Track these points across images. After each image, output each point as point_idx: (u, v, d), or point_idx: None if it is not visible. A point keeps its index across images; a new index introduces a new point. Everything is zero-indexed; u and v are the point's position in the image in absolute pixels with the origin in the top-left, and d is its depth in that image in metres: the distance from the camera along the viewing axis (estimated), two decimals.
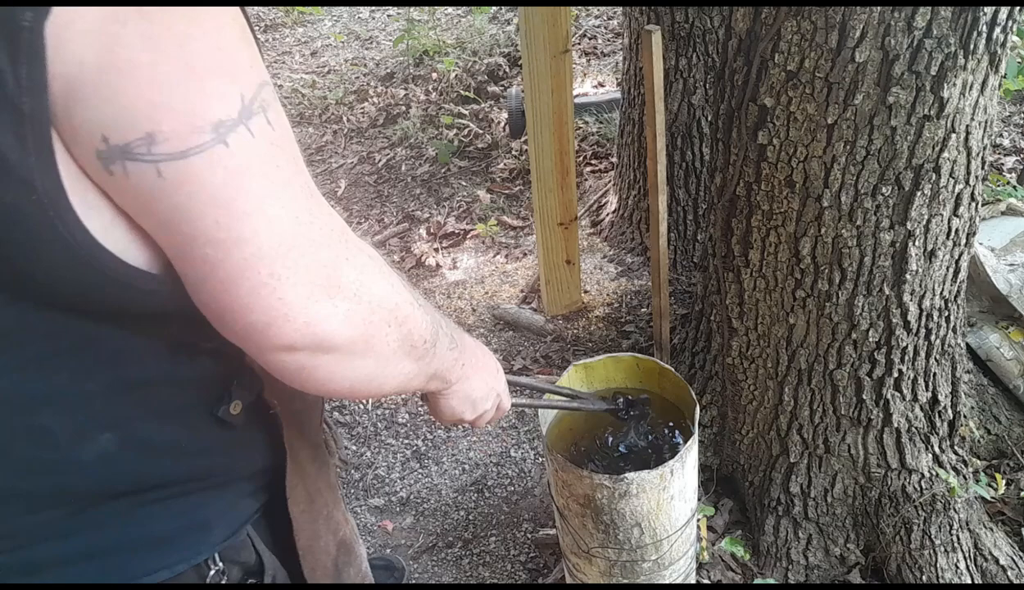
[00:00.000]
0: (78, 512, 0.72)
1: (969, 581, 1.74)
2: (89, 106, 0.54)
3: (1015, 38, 1.50)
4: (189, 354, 0.74)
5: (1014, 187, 2.71)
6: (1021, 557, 1.81)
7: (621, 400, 1.47)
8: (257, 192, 0.60)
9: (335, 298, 0.65)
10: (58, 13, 0.52)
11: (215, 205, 0.58)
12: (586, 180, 3.62)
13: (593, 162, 3.74)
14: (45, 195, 0.56)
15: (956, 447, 1.88)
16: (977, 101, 1.46)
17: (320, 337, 0.65)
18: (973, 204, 1.59)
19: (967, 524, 1.78)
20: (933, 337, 1.71)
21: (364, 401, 2.57)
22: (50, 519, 0.71)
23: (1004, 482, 1.91)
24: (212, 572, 0.81)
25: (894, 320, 1.65)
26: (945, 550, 1.74)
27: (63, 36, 0.52)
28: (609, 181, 3.45)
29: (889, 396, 1.74)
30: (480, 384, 0.99)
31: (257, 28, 5.68)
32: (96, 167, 0.56)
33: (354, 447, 2.44)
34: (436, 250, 3.36)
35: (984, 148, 1.54)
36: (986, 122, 1.51)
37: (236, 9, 0.61)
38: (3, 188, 0.55)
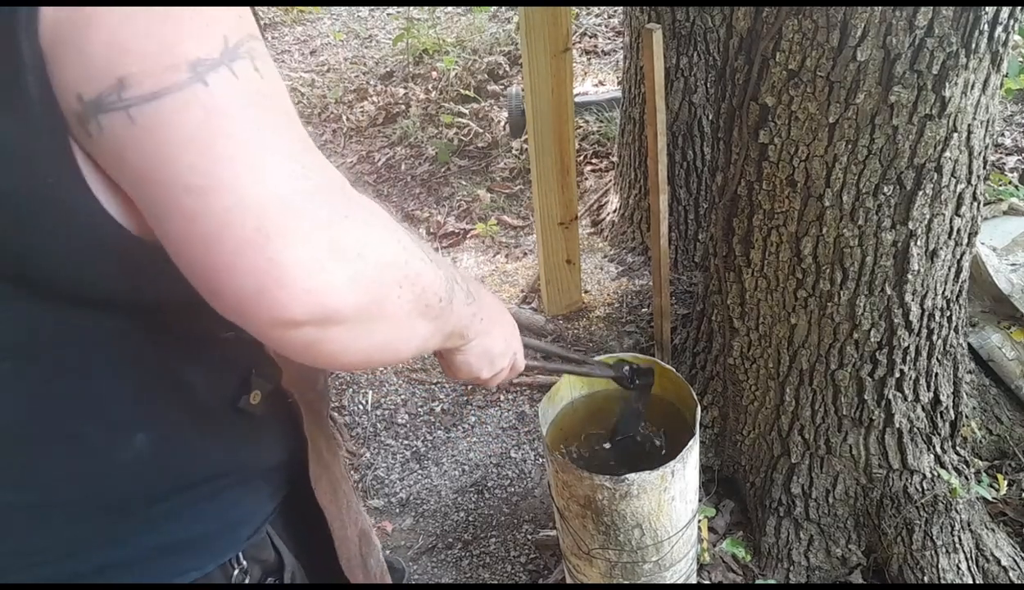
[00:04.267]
0: (117, 521, 0.71)
1: (971, 582, 1.74)
2: (65, 68, 0.51)
3: (1017, 37, 1.49)
4: (209, 345, 0.72)
5: (1016, 187, 2.70)
6: (1023, 558, 1.80)
7: (627, 368, 1.45)
8: (240, 136, 0.54)
9: (337, 261, 0.57)
10: None
11: (191, 147, 0.52)
12: (586, 179, 3.61)
13: (593, 161, 3.73)
14: (61, 181, 0.54)
15: (958, 448, 1.87)
16: (979, 100, 1.45)
17: (326, 307, 0.57)
18: (975, 204, 1.59)
19: (969, 525, 1.78)
20: (935, 337, 1.71)
21: (364, 402, 2.57)
22: (90, 529, 0.70)
23: (1006, 483, 1.91)
24: (236, 571, 0.81)
25: (896, 320, 1.64)
26: (947, 551, 1.74)
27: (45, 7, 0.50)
28: (610, 180, 3.44)
29: (891, 396, 1.73)
30: (499, 339, 0.93)
31: None
32: (79, 134, 0.53)
33: (353, 448, 2.43)
34: (436, 250, 3.35)
35: (986, 147, 1.54)
36: (988, 121, 1.51)
37: None
38: (13, 178, 0.53)
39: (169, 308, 0.67)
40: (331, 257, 0.57)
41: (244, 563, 0.81)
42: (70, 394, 0.65)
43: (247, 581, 0.81)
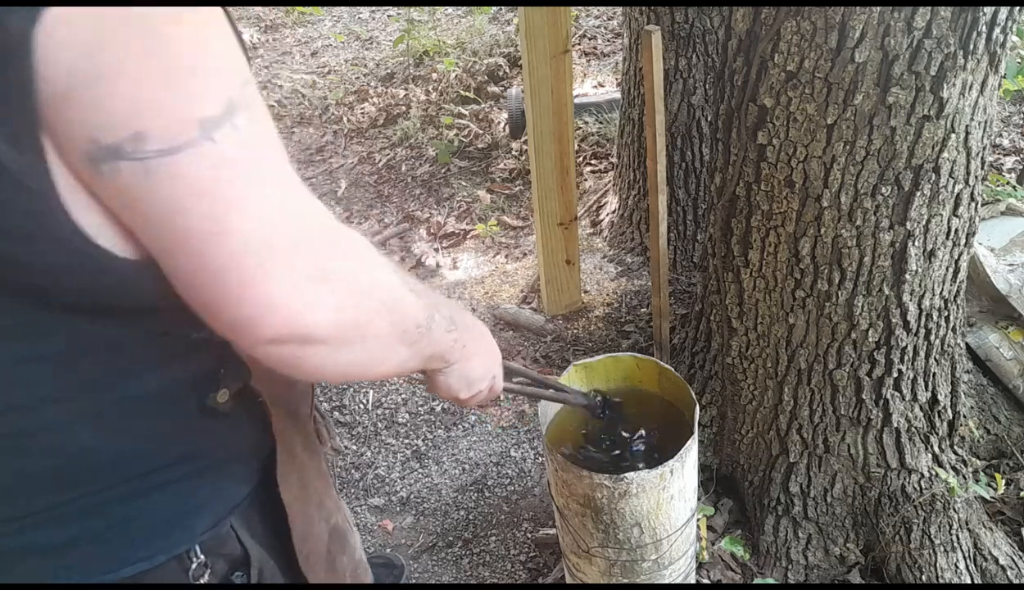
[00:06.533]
0: (69, 501, 0.73)
1: (969, 581, 1.74)
2: (79, 111, 0.55)
3: (1015, 38, 1.50)
4: (178, 345, 0.75)
5: (1014, 187, 2.70)
6: (1021, 557, 1.81)
7: (599, 399, 1.50)
8: (243, 185, 0.61)
9: (321, 289, 0.65)
10: (47, 20, 0.53)
11: (203, 198, 0.59)
12: (586, 180, 3.62)
13: (593, 162, 3.74)
14: (39, 194, 0.58)
15: (956, 447, 1.88)
16: (977, 101, 1.46)
17: (308, 329, 0.64)
18: (973, 204, 1.59)
19: (967, 524, 1.78)
20: (933, 337, 1.72)
21: (364, 401, 2.57)
22: (45, 506, 0.72)
23: (1004, 482, 1.91)
24: (194, 565, 0.81)
25: (894, 320, 1.65)
26: (945, 550, 1.75)
27: (52, 44, 0.53)
28: (609, 181, 3.45)
29: (889, 396, 1.74)
30: (478, 365, 1.02)
31: (257, 28, 5.69)
32: (85, 167, 0.58)
33: (354, 447, 2.44)
34: (436, 250, 3.36)
35: (984, 148, 1.54)
36: (986, 122, 1.52)
37: (218, 8, 0.61)
38: (4, 189, 0.57)
39: (141, 313, 0.70)
40: (316, 285, 0.64)
41: (202, 557, 0.81)
42: (23, 382, 0.67)
43: (207, 576, 0.82)
